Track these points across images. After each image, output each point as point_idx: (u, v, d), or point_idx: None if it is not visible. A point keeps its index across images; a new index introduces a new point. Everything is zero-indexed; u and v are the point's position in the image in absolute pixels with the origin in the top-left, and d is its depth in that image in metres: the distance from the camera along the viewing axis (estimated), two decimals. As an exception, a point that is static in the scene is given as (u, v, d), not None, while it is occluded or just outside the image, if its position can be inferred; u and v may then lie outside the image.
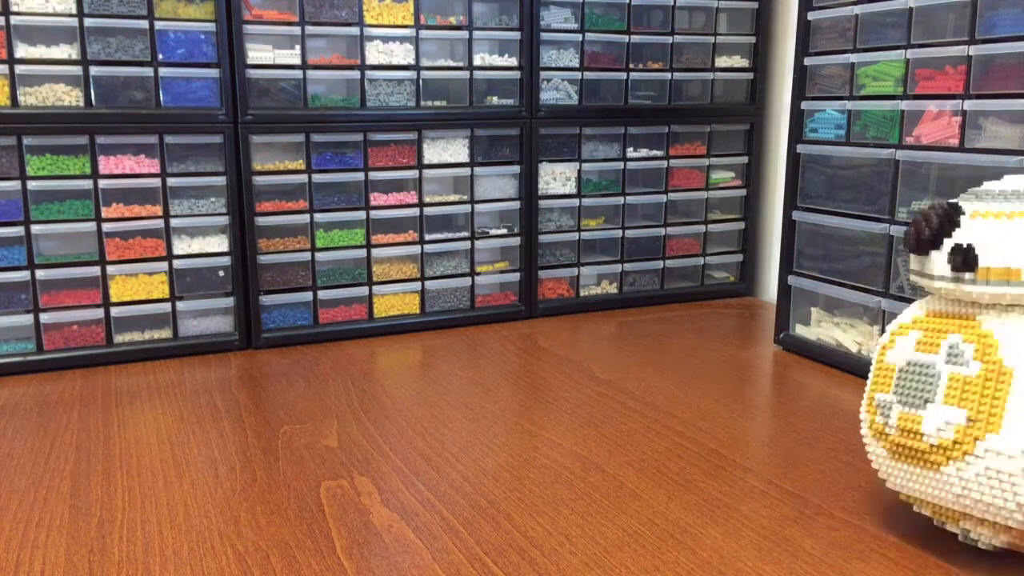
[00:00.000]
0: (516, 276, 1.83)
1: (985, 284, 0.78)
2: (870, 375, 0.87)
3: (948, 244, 0.80)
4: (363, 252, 1.69)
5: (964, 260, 0.78)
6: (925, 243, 0.81)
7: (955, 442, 0.76)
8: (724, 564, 0.85)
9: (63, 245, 1.51)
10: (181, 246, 1.56)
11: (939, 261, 0.80)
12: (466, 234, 1.77)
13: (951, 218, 0.80)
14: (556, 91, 1.80)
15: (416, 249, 1.73)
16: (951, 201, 0.82)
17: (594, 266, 1.91)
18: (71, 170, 1.47)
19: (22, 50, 1.42)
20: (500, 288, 1.83)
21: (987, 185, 0.85)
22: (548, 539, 0.90)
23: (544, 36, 1.76)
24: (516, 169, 1.79)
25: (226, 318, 1.61)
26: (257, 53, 1.55)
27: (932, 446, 0.78)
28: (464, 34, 1.70)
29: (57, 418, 1.26)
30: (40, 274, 1.47)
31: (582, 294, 1.90)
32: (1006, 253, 0.78)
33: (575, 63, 1.80)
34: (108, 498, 1.00)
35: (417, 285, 1.74)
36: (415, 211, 1.72)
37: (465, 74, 1.71)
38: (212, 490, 1.02)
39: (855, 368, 1.44)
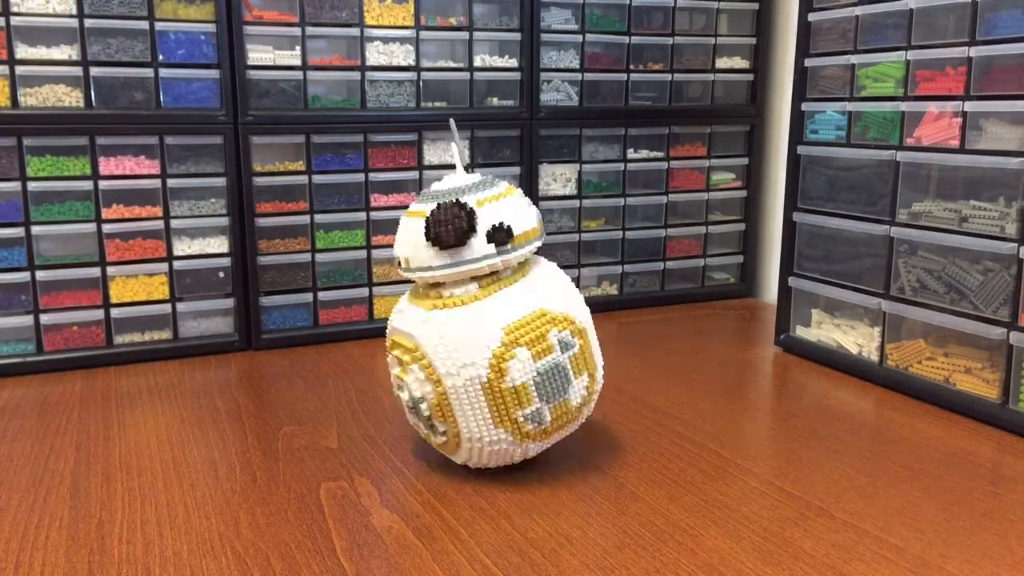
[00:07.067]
0: (516, 277, 1.83)
1: (516, 249, 0.99)
2: (494, 406, 0.97)
3: (481, 229, 0.97)
4: (363, 253, 1.69)
5: (508, 234, 0.97)
6: (465, 234, 0.96)
7: (590, 394, 1.03)
8: (724, 565, 0.85)
9: (63, 246, 1.51)
10: (181, 247, 1.56)
11: (479, 245, 0.97)
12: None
13: (470, 211, 0.97)
14: (556, 92, 1.80)
15: (416, 250, 1.73)
16: (454, 200, 0.98)
17: (594, 267, 1.90)
18: (71, 171, 1.47)
19: (22, 51, 1.42)
20: (500, 289, 1.83)
21: (438, 186, 1.02)
22: (548, 540, 0.90)
23: (544, 37, 1.76)
24: (516, 170, 1.79)
25: (226, 319, 1.61)
26: (257, 54, 1.56)
27: (577, 406, 1.02)
28: (464, 35, 1.70)
29: (57, 419, 1.26)
30: (40, 275, 1.47)
31: (582, 295, 1.89)
32: (518, 223, 0.99)
33: (575, 64, 1.80)
34: (108, 499, 1.00)
35: (417, 286, 1.74)
36: (415, 212, 1.71)
37: (465, 75, 1.71)
38: (212, 491, 1.02)
39: (856, 370, 1.44)
